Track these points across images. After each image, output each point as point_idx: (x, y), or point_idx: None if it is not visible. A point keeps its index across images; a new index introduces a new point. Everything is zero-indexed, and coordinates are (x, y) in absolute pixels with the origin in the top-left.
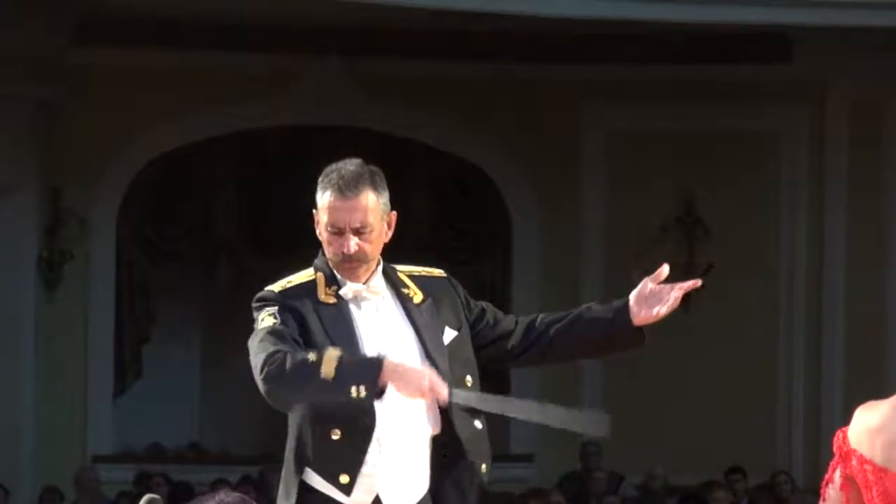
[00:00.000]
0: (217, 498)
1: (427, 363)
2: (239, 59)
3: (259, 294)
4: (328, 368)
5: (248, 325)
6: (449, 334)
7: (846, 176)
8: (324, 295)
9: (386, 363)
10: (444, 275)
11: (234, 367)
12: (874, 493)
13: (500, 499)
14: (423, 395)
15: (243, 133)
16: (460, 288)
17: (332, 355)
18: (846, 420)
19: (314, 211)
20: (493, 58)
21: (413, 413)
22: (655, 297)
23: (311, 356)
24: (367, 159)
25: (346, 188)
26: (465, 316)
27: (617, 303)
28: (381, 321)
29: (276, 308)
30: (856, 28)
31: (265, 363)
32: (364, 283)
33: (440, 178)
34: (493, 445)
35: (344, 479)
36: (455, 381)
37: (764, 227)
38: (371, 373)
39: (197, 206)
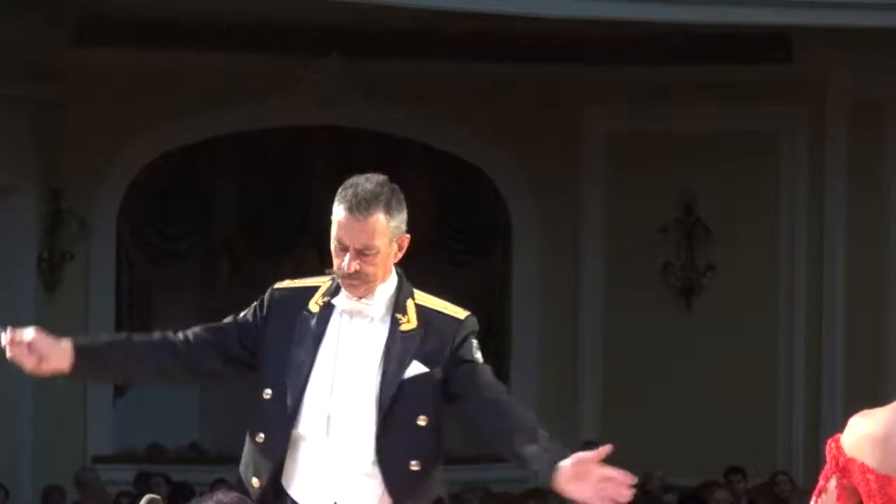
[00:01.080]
0: (215, 498)
1: (376, 389)
2: (239, 59)
3: (271, 287)
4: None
5: None
6: (415, 368)
7: (846, 176)
8: (314, 302)
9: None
10: (461, 317)
11: None
12: (877, 501)
13: (500, 499)
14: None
15: (243, 133)
16: (465, 334)
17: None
18: (846, 420)
19: (331, 218)
20: (493, 59)
21: (341, 438)
22: (584, 477)
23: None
24: (367, 159)
25: (357, 208)
26: (449, 359)
27: (549, 456)
28: (355, 339)
29: (254, 308)
30: (856, 28)
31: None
32: (360, 299)
33: (440, 178)
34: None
35: (255, 482)
36: (404, 417)
37: (764, 227)
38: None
39: (197, 206)
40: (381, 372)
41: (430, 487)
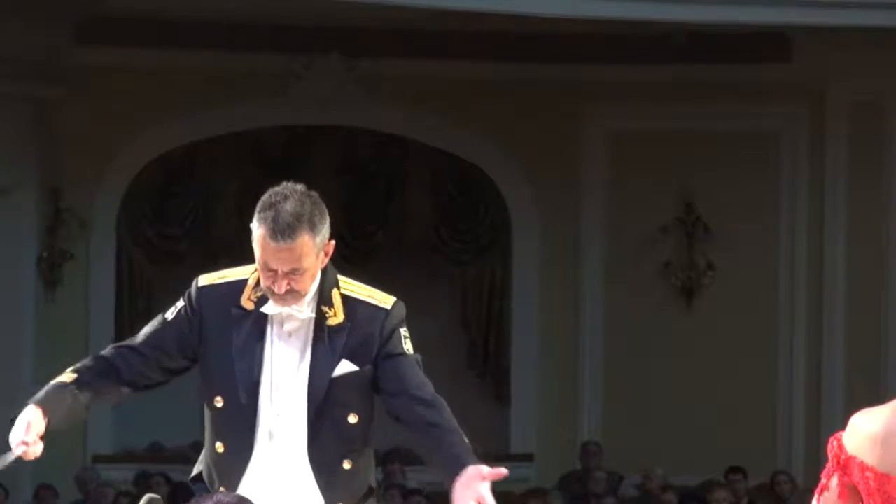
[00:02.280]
0: (215, 498)
1: (305, 390)
2: (239, 59)
3: (194, 280)
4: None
5: None
6: (344, 367)
7: (846, 176)
8: (246, 299)
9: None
10: (387, 306)
11: None
12: (877, 499)
13: (499, 499)
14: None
15: (243, 133)
16: (392, 325)
17: (60, 378)
18: (846, 420)
19: (250, 226)
20: (493, 58)
21: (280, 442)
22: (468, 486)
23: (77, 366)
24: (367, 159)
25: (281, 235)
26: (377, 354)
27: (452, 462)
28: (289, 340)
29: (183, 308)
30: (856, 28)
31: (109, 347)
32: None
33: (440, 178)
34: (494, 444)
35: (223, 490)
36: (335, 417)
37: (764, 227)
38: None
39: (197, 206)
40: (309, 372)
41: (362, 484)
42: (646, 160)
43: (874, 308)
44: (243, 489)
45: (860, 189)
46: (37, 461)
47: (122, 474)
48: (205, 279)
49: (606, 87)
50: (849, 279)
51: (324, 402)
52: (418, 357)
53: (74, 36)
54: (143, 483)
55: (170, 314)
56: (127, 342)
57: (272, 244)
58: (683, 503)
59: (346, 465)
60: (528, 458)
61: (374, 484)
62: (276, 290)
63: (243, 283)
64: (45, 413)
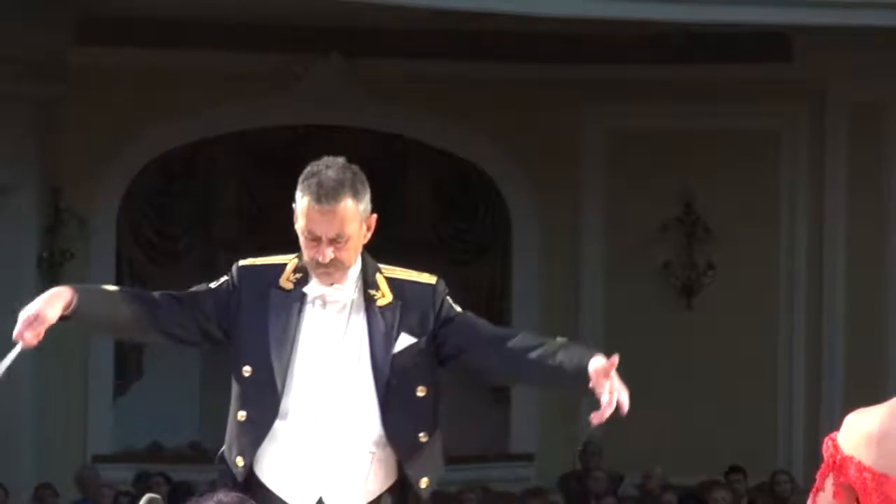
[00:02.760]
0: (216, 498)
1: (370, 370)
2: (239, 59)
3: (235, 263)
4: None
5: None
6: (405, 340)
7: (846, 176)
8: (285, 279)
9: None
10: (432, 282)
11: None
12: (874, 499)
13: (500, 498)
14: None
15: (243, 133)
16: (442, 296)
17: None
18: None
19: (293, 205)
20: (493, 58)
21: (345, 419)
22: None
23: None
24: (367, 159)
25: (325, 198)
26: (435, 324)
27: (579, 364)
28: (332, 321)
29: (225, 283)
30: (856, 28)
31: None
32: (331, 285)
33: (440, 177)
34: (494, 444)
35: (240, 461)
36: (403, 391)
37: (764, 226)
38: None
39: (197, 206)
40: (370, 350)
41: (439, 459)
42: (646, 160)
43: (874, 308)
44: (260, 456)
45: (860, 189)
46: (36, 461)
47: (122, 474)
48: (245, 261)
49: (606, 87)
50: (849, 279)
51: (390, 378)
52: (470, 313)
53: (74, 36)
54: (143, 483)
55: (214, 284)
56: (170, 292)
57: (317, 207)
58: (683, 503)
59: (423, 438)
60: (528, 458)
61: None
62: (320, 258)
63: (282, 266)
64: (74, 294)
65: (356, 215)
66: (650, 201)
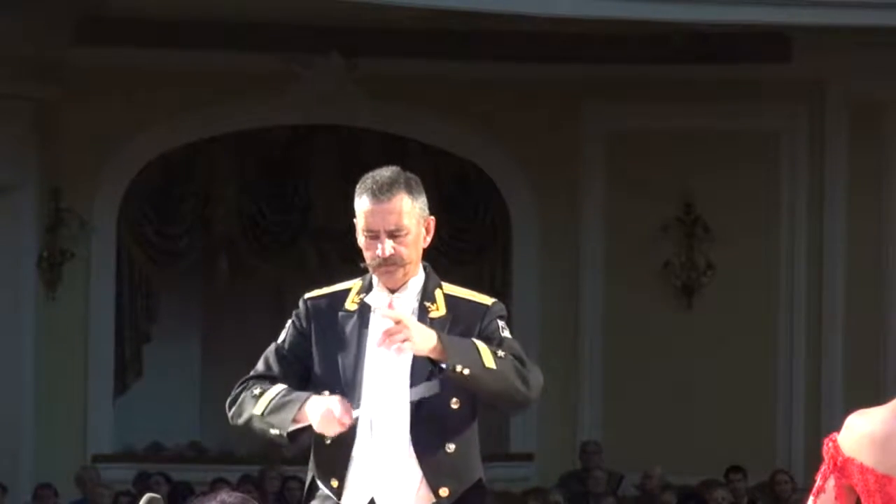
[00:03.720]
0: (219, 498)
1: (408, 380)
2: (239, 59)
3: (301, 298)
4: (260, 407)
5: (248, 325)
6: None
7: (846, 176)
8: (350, 302)
9: (304, 408)
10: (488, 303)
11: (234, 367)
12: (877, 500)
13: (500, 498)
14: (339, 425)
15: (243, 133)
16: (492, 316)
17: (270, 394)
18: (846, 419)
19: (354, 220)
20: (493, 58)
21: (391, 428)
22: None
23: (257, 390)
24: (367, 159)
25: (380, 192)
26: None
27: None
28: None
29: (292, 322)
30: (856, 28)
31: (235, 387)
32: (392, 293)
33: (440, 178)
34: (494, 444)
35: (334, 482)
36: (437, 402)
37: (764, 226)
38: (286, 419)
39: (197, 206)
40: (412, 361)
41: (468, 471)
42: (646, 160)
43: (874, 308)
44: (350, 480)
45: (860, 189)
46: (36, 461)
47: (122, 474)
48: (309, 294)
49: (606, 87)
50: (849, 279)
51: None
52: (515, 343)
53: (74, 36)
54: (143, 483)
55: (280, 338)
56: (265, 366)
57: (372, 203)
58: (683, 503)
59: (450, 448)
60: (528, 457)
61: (482, 476)
62: (381, 253)
63: (347, 291)
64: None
65: (412, 211)
66: (650, 201)
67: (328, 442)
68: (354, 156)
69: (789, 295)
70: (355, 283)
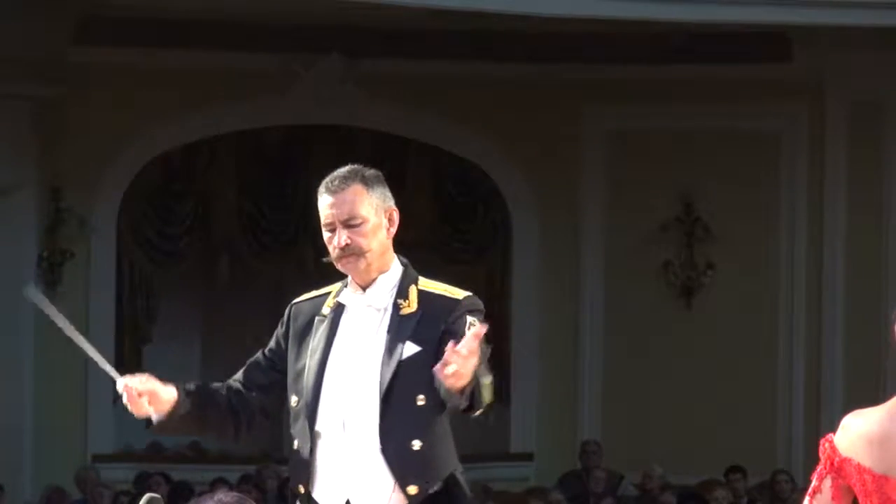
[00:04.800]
0: (216, 498)
1: (377, 376)
2: (239, 59)
3: (290, 303)
4: None
5: (248, 325)
6: (409, 349)
7: (846, 176)
8: (327, 305)
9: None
10: (459, 297)
11: (234, 367)
12: (874, 500)
13: (500, 498)
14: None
15: (243, 133)
16: (462, 310)
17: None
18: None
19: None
20: (493, 58)
21: (352, 429)
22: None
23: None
24: (367, 159)
25: (333, 183)
26: (442, 335)
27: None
28: (362, 331)
29: (277, 330)
30: (856, 28)
31: None
32: (365, 291)
33: (440, 177)
34: (494, 444)
35: (301, 488)
36: (403, 398)
37: (764, 226)
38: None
39: (197, 206)
40: (381, 359)
41: (436, 468)
42: (646, 160)
43: (874, 308)
44: (321, 483)
45: (860, 189)
46: (36, 461)
47: (122, 474)
48: (297, 299)
49: (606, 87)
50: (848, 279)
51: (392, 384)
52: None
53: (74, 36)
54: (143, 483)
55: (271, 342)
56: (247, 373)
57: (328, 197)
58: (683, 503)
59: (416, 446)
60: (528, 457)
61: (457, 473)
62: (335, 243)
63: (328, 294)
64: (179, 389)
65: (367, 199)
66: (650, 201)
67: (295, 447)
68: (354, 156)
69: (789, 295)
70: (335, 286)
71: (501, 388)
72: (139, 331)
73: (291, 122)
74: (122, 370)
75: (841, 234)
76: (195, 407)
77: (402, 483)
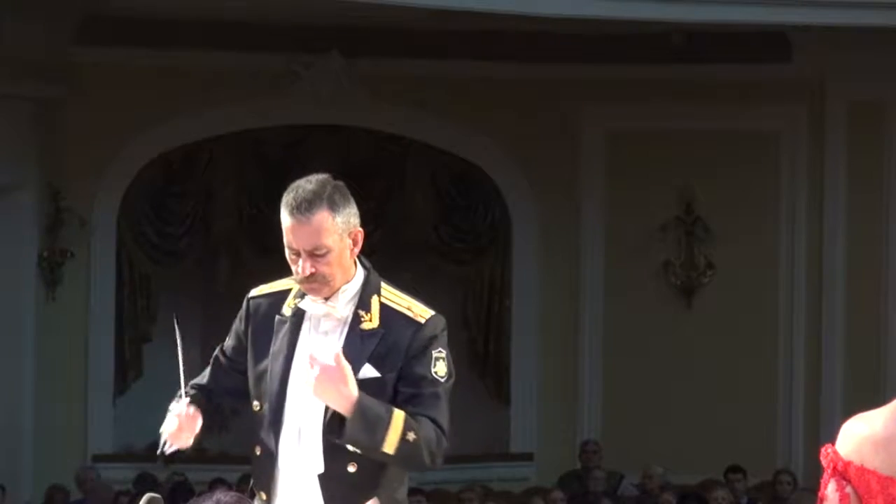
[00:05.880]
0: (215, 497)
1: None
2: (239, 59)
3: (247, 294)
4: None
5: None
6: (366, 372)
7: (846, 176)
8: (287, 305)
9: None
10: (420, 321)
11: None
12: (879, 502)
13: (500, 498)
14: (179, 429)
15: (243, 133)
16: (422, 341)
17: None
18: (846, 420)
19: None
20: (493, 58)
21: (306, 441)
22: None
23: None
24: (367, 158)
25: (299, 210)
26: (403, 367)
27: None
28: (321, 340)
29: (236, 322)
30: (855, 28)
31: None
32: (325, 302)
33: (440, 178)
34: (494, 444)
35: (263, 496)
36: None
37: (764, 226)
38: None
39: (197, 205)
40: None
41: (367, 493)
42: (646, 160)
43: (874, 308)
44: (278, 490)
45: (860, 189)
46: (37, 460)
47: (122, 474)
48: (255, 291)
49: (606, 87)
50: (849, 279)
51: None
52: (446, 385)
53: (74, 36)
54: (144, 483)
55: (229, 335)
56: (208, 370)
57: (292, 221)
58: (683, 503)
59: (351, 469)
60: (528, 457)
61: (395, 495)
62: (300, 272)
63: (288, 291)
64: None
65: (334, 227)
66: (650, 201)
67: (257, 453)
68: (354, 156)
69: (789, 295)
70: (293, 286)
71: (501, 388)
72: (139, 330)
73: (291, 122)
74: (123, 370)
75: (841, 234)
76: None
77: (329, 499)
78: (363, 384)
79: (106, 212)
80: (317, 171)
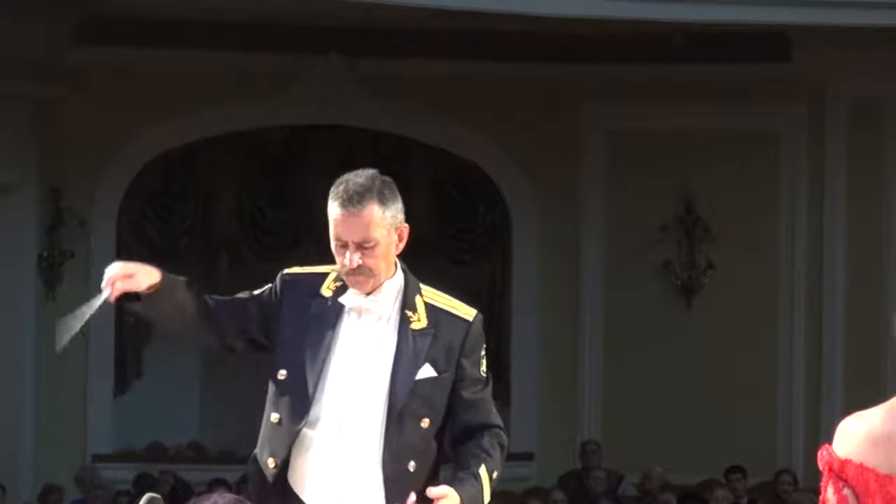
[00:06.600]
0: (212, 499)
1: (387, 388)
2: (239, 59)
3: (280, 272)
4: None
5: None
6: (426, 371)
7: (846, 176)
8: (326, 288)
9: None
10: (469, 318)
11: (234, 366)
12: (877, 500)
13: (500, 498)
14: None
15: (243, 133)
16: (474, 338)
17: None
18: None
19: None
20: (493, 58)
21: (348, 433)
22: None
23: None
24: (367, 158)
25: (350, 202)
26: (456, 365)
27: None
28: (366, 333)
29: (268, 289)
30: (856, 28)
31: None
32: (367, 296)
33: (440, 177)
34: None
35: (271, 462)
36: (410, 419)
37: (764, 226)
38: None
39: (197, 205)
40: (392, 372)
41: (420, 486)
42: (646, 160)
43: (874, 308)
44: (297, 468)
45: (860, 189)
46: (36, 461)
47: (121, 474)
48: (289, 270)
49: (606, 87)
50: (849, 279)
51: (403, 403)
52: (490, 382)
53: (74, 36)
54: (144, 483)
55: (257, 291)
56: (218, 297)
57: (341, 213)
58: (683, 502)
59: (412, 467)
60: (528, 457)
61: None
62: (348, 264)
63: (325, 275)
64: (161, 275)
65: (382, 221)
66: (650, 201)
67: (274, 419)
68: (354, 155)
69: (789, 295)
70: (333, 269)
71: (501, 389)
72: (139, 330)
73: (291, 122)
74: (123, 370)
75: (841, 234)
76: (182, 291)
77: (391, 499)
78: (422, 384)
79: (106, 212)
80: (317, 170)
